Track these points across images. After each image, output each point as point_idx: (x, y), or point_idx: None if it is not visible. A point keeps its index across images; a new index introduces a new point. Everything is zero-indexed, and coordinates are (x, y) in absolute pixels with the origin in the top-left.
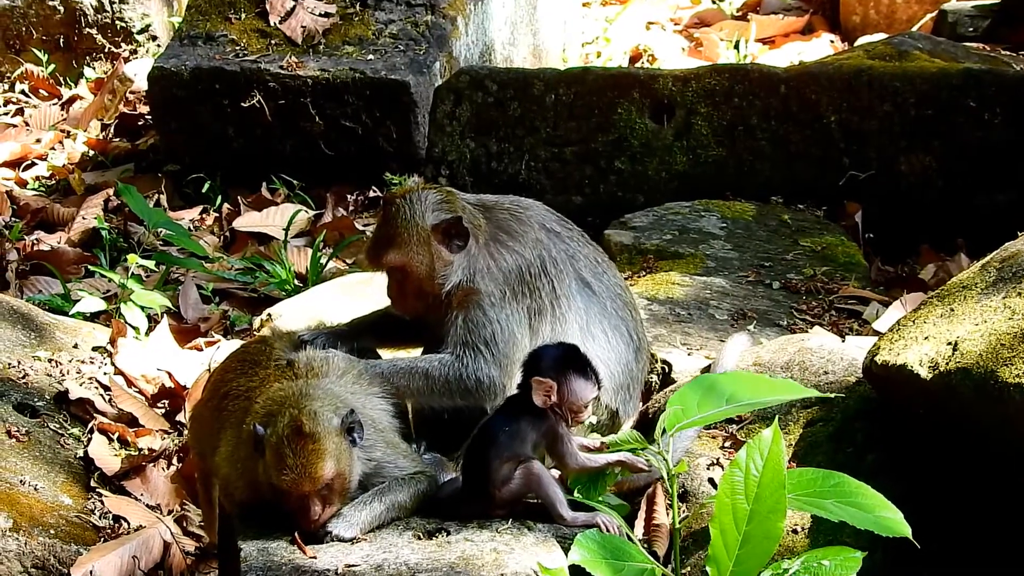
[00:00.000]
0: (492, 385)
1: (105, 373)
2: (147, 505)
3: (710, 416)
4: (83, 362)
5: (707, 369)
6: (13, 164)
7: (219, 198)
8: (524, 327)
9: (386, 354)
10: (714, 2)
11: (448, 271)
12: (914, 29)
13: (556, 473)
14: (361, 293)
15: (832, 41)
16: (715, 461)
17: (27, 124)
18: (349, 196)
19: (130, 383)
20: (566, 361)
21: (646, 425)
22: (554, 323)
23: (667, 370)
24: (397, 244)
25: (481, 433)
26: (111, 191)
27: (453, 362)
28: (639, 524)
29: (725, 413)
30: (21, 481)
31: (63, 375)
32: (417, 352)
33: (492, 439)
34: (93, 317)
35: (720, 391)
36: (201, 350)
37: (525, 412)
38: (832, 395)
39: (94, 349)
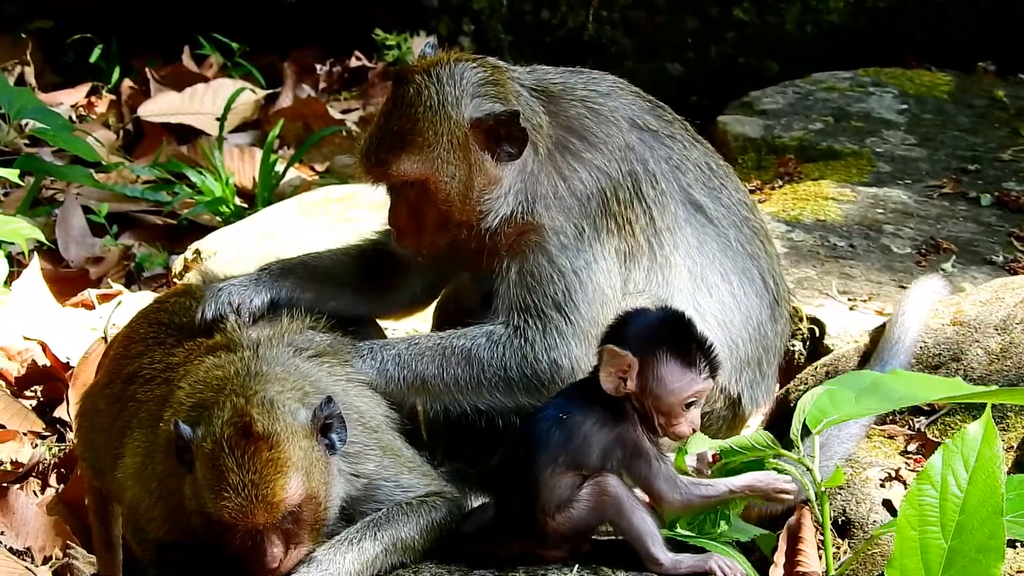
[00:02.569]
0: (575, 371)
1: None
2: (10, 549)
3: (877, 406)
4: None
5: (880, 331)
6: None
7: (116, 71)
8: (615, 278)
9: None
10: None
11: (493, 193)
12: None
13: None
14: (342, 217)
15: None
16: (892, 473)
17: None
18: (319, 66)
19: None
20: (660, 332)
21: (784, 418)
22: (652, 271)
23: (817, 334)
24: (416, 146)
25: (526, 431)
26: None
27: (510, 337)
28: (777, 569)
29: (900, 401)
30: None
31: None
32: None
33: (542, 439)
34: None
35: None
36: (92, 308)
37: (596, 404)
38: None
39: None
